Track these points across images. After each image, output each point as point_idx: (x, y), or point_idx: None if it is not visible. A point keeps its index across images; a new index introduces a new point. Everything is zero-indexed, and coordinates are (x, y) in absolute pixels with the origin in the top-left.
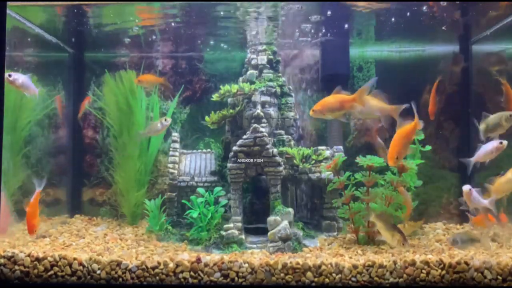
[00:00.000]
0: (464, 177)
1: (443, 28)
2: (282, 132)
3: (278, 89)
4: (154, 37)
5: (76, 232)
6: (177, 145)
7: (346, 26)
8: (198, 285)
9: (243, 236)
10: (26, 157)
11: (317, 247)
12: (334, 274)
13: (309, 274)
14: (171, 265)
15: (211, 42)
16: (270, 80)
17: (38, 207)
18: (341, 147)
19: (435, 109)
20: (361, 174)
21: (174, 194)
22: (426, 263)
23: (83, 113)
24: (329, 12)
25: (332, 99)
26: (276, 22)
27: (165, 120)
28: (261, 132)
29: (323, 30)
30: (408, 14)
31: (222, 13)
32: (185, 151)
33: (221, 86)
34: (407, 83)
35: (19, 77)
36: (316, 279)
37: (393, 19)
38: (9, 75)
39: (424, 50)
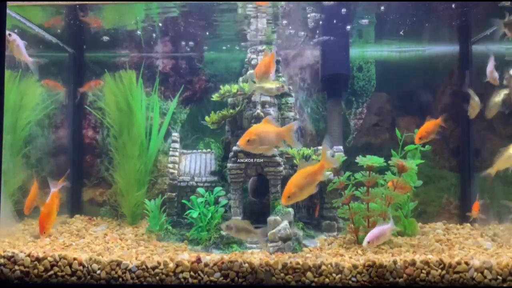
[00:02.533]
0: (464, 177)
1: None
2: None
3: None
4: (153, 36)
5: (76, 232)
6: (177, 145)
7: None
8: (198, 285)
9: None
10: (26, 157)
11: (317, 247)
12: (334, 274)
13: (309, 274)
14: (171, 265)
15: (211, 42)
16: None
17: (56, 208)
18: (341, 147)
19: (425, 134)
20: (361, 174)
21: (174, 194)
22: (426, 263)
23: (83, 92)
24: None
25: None
26: (276, 22)
27: (282, 86)
28: None
29: (323, 30)
30: (408, 13)
31: (221, 12)
32: (185, 151)
33: (221, 86)
34: (407, 83)
35: (16, 39)
36: (316, 279)
37: (393, 19)
38: (9, 34)
39: (424, 50)
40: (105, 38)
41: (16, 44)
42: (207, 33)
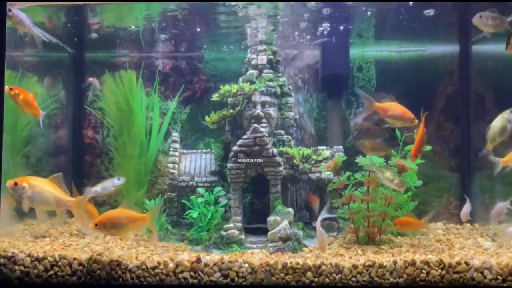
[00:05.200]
0: (464, 177)
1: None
2: (282, 132)
3: (278, 89)
4: (153, 36)
5: (76, 232)
6: (177, 145)
7: (346, 25)
8: (198, 285)
9: (243, 236)
10: (26, 157)
11: (317, 247)
12: (334, 274)
13: (309, 274)
14: (171, 265)
15: (211, 42)
16: (270, 80)
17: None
18: (341, 147)
19: (419, 150)
20: (361, 174)
21: (174, 194)
22: (426, 263)
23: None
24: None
25: None
26: (276, 22)
27: (402, 185)
28: (261, 132)
29: (323, 30)
30: (408, 14)
31: (222, 12)
32: (185, 151)
33: (221, 86)
34: (407, 83)
35: (18, 14)
36: (316, 279)
37: (393, 19)
38: (9, 10)
39: (424, 50)
40: (94, 35)
41: (19, 19)
42: (207, 33)
